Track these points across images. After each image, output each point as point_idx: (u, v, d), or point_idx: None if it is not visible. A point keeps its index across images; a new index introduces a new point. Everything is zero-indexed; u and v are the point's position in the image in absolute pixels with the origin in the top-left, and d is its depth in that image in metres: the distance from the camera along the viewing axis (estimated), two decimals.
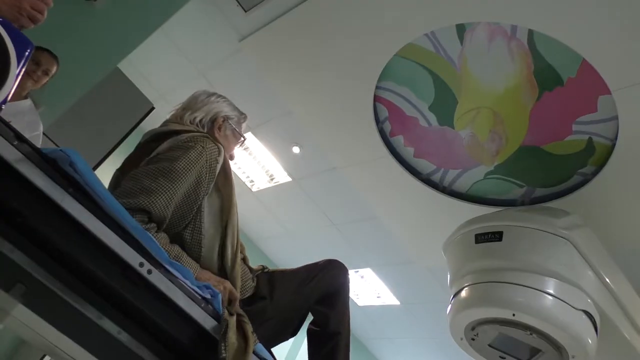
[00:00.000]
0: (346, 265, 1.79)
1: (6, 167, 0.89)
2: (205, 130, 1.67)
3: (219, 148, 1.55)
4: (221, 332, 1.12)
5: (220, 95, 1.80)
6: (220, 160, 1.54)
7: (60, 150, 0.96)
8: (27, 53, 1.01)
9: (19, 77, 1.00)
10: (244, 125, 1.83)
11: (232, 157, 1.78)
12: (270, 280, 1.64)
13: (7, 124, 0.90)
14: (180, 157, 1.44)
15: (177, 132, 1.57)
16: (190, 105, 1.73)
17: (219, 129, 1.72)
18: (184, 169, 1.43)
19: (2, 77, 0.93)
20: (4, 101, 0.95)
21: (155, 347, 1.11)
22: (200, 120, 1.69)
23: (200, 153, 1.48)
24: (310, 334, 1.70)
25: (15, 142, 0.91)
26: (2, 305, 1.05)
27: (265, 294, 1.57)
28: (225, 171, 1.56)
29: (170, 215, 1.41)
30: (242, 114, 1.83)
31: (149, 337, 1.11)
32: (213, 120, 1.71)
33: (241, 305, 1.41)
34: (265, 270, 1.71)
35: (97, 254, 0.99)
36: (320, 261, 1.77)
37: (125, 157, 1.62)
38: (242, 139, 1.81)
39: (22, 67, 0.99)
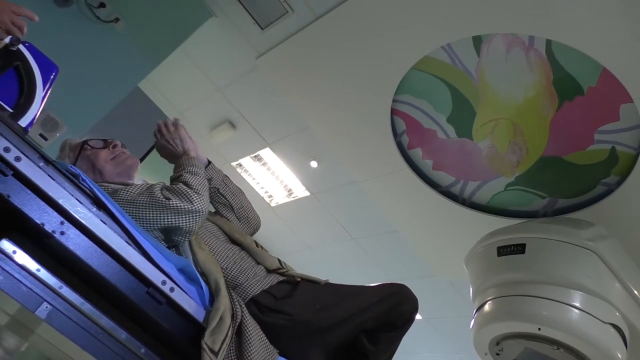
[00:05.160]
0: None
1: (33, 187, 0.91)
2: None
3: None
4: None
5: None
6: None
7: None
8: (52, 76, 1.04)
9: (45, 100, 1.02)
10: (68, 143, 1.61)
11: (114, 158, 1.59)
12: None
13: (33, 146, 0.93)
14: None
15: None
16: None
17: (101, 174, 1.53)
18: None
19: (28, 100, 0.96)
20: (31, 123, 0.98)
21: None
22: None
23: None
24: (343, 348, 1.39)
25: (41, 164, 0.93)
26: (27, 323, 1.07)
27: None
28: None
29: None
30: (65, 144, 1.62)
31: (172, 354, 1.12)
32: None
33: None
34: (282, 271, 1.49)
35: (121, 272, 1.01)
36: (387, 285, 1.50)
37: None
38: (87, 146, 1.60)
39: (47, 90, 1.01)
